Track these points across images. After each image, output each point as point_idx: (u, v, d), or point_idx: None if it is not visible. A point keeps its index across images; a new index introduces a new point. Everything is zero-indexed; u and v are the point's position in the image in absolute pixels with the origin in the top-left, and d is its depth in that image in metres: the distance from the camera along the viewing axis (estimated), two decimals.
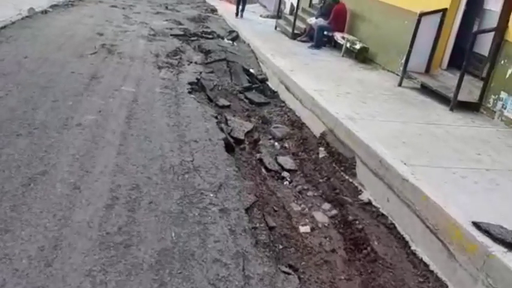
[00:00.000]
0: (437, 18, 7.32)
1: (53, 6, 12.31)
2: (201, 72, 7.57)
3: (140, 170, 3.85)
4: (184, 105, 5.70)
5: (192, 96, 6.20)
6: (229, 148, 4.94)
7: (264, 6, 17.78)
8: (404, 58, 8.19)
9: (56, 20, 10.30)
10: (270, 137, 6.42)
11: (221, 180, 3.84)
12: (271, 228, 3.67)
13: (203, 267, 2.87)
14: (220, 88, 7.36)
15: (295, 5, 13.92)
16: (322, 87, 6.88)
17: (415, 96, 7.07)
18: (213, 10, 16.37)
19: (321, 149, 5.49)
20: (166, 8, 15.38)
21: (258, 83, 8.40)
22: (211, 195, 3.59)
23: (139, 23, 11.69)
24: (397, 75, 8.31)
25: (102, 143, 4.26)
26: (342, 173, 4.92)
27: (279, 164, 5.53)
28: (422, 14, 7.24)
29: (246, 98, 7.52)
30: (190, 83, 6.80)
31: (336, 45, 10.77)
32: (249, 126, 6.03)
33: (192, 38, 10.70)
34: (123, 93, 5.78)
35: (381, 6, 9.07)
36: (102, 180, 3.62)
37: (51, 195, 3.34)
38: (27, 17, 10.14)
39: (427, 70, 7.66)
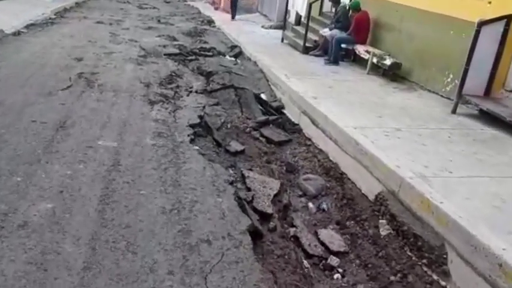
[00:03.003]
0: (499, 27, 5.79)
1: (29, 26, 10.76)
2: (204, 107, 5.98)
3: None
4: (186, 165, 4.05)
5: (196, 147, 4.57)
6: (256, 236, 3.34)
7: (265, 16, 16.25)
8: (451, 76, 6.73)
9: (29, 44, 8.69)
10: (300, 192, 4.86)
11: None
12: None
13: None
14: (229, 126, 5.80)
15: (300, 13, 12.41)
16: (361, 122, 5.33)
17: (480, 128, 5.51)
18: (210, 22, 14.87)
19: (382, 221, 3.89)
20: (159, 21, 13.89)
21: (274, 112, 6.86)
22: None
23: (127, 41, 10.14)
24: (442, 96, 6.85)
25: (54, 269, 2.49)
26: (424, 268, 3.33)
27: (322, 243, 3.96)
28: (482, 23, 5.69)
29: (262, 135, 5.96)
30: (191, 125, 5.19)
31: (355, 60, 9.26)
32: (274, 185, 4.44)
33: (190, 57, 9.20)
34: (100, 152, 4.07)
35: (414, 13, 7.55)
36: None
37: None
38: None
39: (487, 92, 6.10)
